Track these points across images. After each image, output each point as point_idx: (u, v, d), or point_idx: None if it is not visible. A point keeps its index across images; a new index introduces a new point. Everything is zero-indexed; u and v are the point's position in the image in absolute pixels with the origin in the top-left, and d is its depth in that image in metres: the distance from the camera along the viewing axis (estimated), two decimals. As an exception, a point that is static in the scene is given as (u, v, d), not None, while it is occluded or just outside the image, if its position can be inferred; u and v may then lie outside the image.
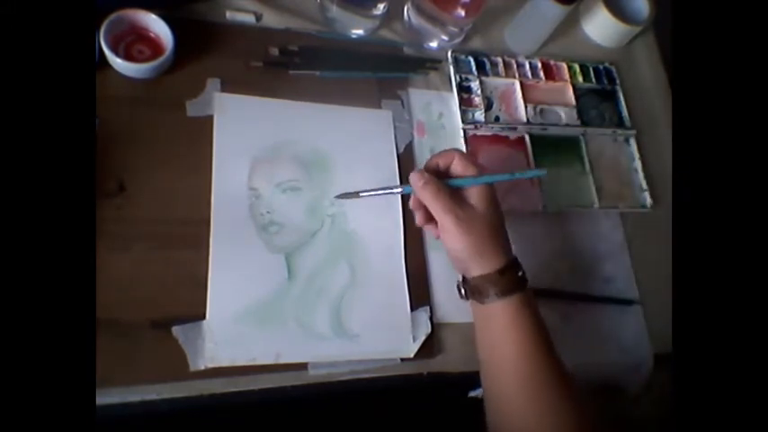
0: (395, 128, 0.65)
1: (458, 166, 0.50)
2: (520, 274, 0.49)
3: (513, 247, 0.51)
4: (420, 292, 0.58)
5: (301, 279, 0.55)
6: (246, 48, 0.61)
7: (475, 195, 0.49)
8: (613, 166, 0.73)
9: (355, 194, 0.54)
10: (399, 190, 0.54)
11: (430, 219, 0.51)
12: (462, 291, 0.52)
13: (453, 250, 0.49)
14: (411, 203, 0.52)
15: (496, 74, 0.72)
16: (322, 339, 0.53)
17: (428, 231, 0.56)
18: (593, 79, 0.77)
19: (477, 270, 0.49)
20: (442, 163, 0.50)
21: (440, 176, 0.49)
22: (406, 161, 0.64)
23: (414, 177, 0.49)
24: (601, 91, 0.77)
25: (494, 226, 0.49)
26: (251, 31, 0.63)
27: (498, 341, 0.48)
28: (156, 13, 0.55)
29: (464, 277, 0.51)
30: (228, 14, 0.62)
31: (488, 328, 0.50)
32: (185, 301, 0.50)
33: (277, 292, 0.53)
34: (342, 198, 0.56)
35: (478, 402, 0.59)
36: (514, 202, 0.65)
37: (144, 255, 0.50)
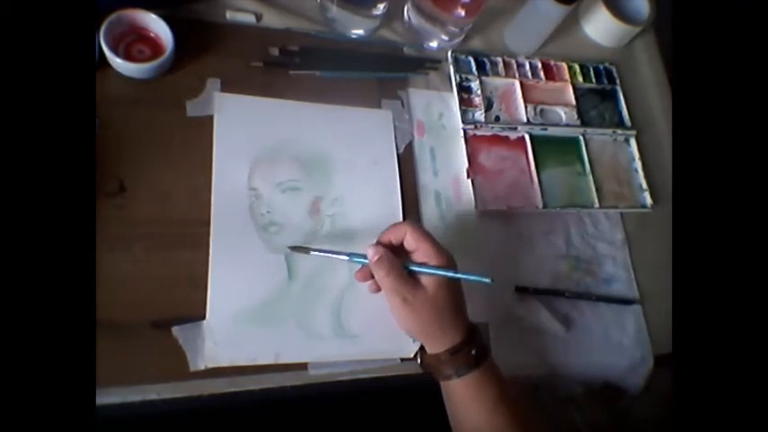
0: (395, 128, 0.65)
1: (410, 240, 0.49)
2: (474, 351, 0.48)
3: (511, 248, 0.50)
4: (420, 292, 0.58)
5: (301, 279, 0.55)
6: (246, 48, 0.61)
7: (426, 277, 0.48)
8: (613, 166, 0.73)
9: (306, 251, 0.52)
10: (346, 258, 0.51)
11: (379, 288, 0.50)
12: (420, 365, 0.52)
13: (403, 329, 0.50)
14: (357, 275, 0.51)
15: (496, 74, 0.72)
16: (322, 339, 0.53)
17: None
18: (593, 79, 0.77)
19: (429, 348, 0.49)
20: (393, 238, 0.50)
21: (395, 251, 0.49)
22: (406, 161, 0.64)
23: (369, 251, 0.49)
24: (601, 91, 0.77)
25: (444, 308, 0.48)
26: (251, 31, 0.63)
27: (461, 416, 0.49)
28: (156, 13, 0.55)
29: (421, 354, 0.52)
30: (228, 14, 0.62)
31: (449, 402, 0.50)
32: (185, 301, 0.50)
33: (277, 292, 0.53)
34: (295, 251, 0.53)
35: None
36: (514, 202, 0.65)
37: (144, 255, 0.50)
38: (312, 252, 0.52)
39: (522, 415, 0.48)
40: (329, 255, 0.51)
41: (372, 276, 0.49)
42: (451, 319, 0.48)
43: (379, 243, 0.50)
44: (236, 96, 0.59)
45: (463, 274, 0.49)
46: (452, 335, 0.48)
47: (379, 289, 0.50)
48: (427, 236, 0.49)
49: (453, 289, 0.49)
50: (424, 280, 0.48)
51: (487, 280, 0.48)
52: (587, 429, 0.77)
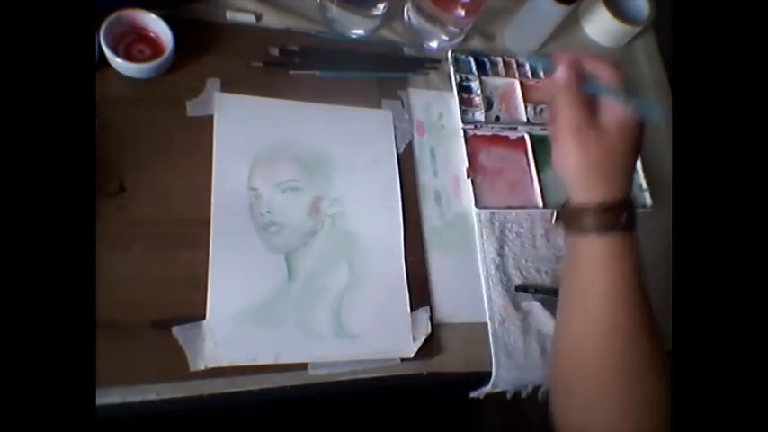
0: (395, 128, 0.65)
1: (605, 78, 0.46)
2: (625, 216, 0.44)
3: (511, 245, 0.50)
4: (420, 292, 0.58)
5: (301, 279, 0.55)
6: (246, 48, 0.61)
7: (609, 114, 0.45)
8: (613, 166, 0.73)
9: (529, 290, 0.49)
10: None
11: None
12: (555, 216, 0.48)
13: (561, 166, 0.46)
14: (541, 82, 0.49)
15: (496, 74, 0.72)
16: (322, 339, 0.53)
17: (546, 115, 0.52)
18: (593, 79, 0.77)
19: (579, 196, 0.45)
20: (589, 67, 0.46)
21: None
22: (406, 161, 0.63)
23: (560, 69, 0.45)
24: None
25: (614, 154, 0.44)
26: (251, 31, 0.63)
27: (584, 283, 0.44)
28: (156, 13, 0.55)
29: (564, 202, 0.48)
30: (228, 14, 0.62)
31: (576, 266, 0.46)
32: (185, 301, 0.50)
33: (277, 292, 0.53)
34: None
35: (478, 402, 0.59)
36: (514, 202, 0.65)
37: (144, 255, 0.50)
38: None
39: (651, 310, 0.44)
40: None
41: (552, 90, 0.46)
42: (617, 170, 0.45)
43: (569, 63, 0.45)
44: (236, 96, 0.59)
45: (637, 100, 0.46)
46: (610, 188, 0.44)
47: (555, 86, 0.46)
48: (622, 76, 0.46)
49: (631, 142, 0.45)
50: (605, 117, 0.45)
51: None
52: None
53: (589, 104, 0.45)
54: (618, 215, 0.44)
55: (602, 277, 0.43)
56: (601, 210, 0.43)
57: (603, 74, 0.46)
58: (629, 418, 0.41)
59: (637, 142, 0.46)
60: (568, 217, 0.46)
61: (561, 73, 0.45)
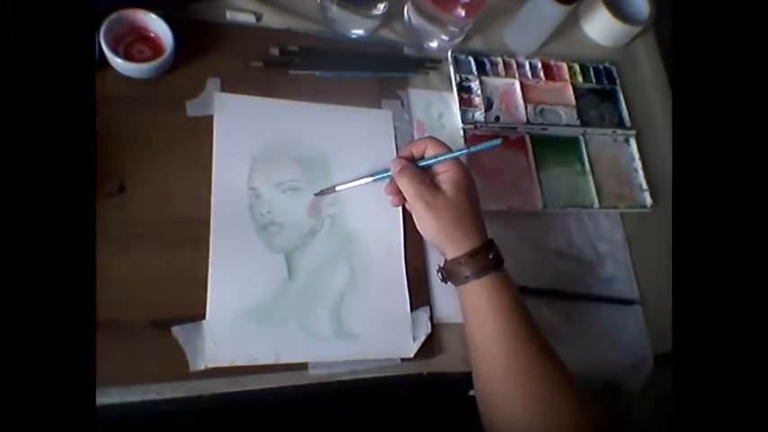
0: (395, 128, 0.65)
1: (430, 152, 0.53)
2: (491, 256, 0.50)
3: (511, 248, 0.51)
4: (420, 292, 0.58)
5: (301, 279, 0.55)
6: (246, 48, 0.61)
7: (446, 182, 0.51)
8: (613, 166, 0.73)
9: (332, 189, 0.57)
10: (370, 179, 0.56)
11: (405, 199, 0.54)
12: (440, 274, 0.54)
13: (426, 235, 0.52)
14: (385, 189, 0.55)
15: (496, 74, 0.72)
16: (322, 339, 0.53)
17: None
18: (593, 79, 0.77)
19: (449, 253, 0.51)
20: (415, 151, 0.54)
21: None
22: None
23: (393, 163, 0.53)
24: (601, 91, 0.77)
25: (463, 211, 0.51)
26: (251, 31, 0.63)
27: (478, 321, 0.50)
28: (156, 13, 0.55)
29: (443, 263, 0.53)
30: (228, 14, 0.62)
31: (467, 309, 0.51)
32: (185, 301, 0.50)
33: (277, 292, 0.53)
34: (320, 195, 0.58)
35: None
36: (514, 202, 0.65)
37: (144, 255, 0.50)
38: (337, 188, 0.57)
39: (534, 322, 0.49)
40: (353, 184, 0.57)
41: (398, 190, 0.53)
42: (471, 223, 0.51)
43: (400, 157, 0.54)
44: (236, 96, 0.59)
45: (474, 147, 0.53)
46: (472, 238, 0.50)
47: (401, 202, 0.55)
48: (446, 147, 0.53)
49: (472, 195, 0.52)
50: (444, 186, 0.51)
51: (498, 141, 0.53)
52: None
53: (428, 179, 0.52)
54: (485, 256, 0.50)
55: (490, 312, 0.49)
56: (470, 257, 0.50)
57: (429, 149, 0.53)
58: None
59: (474, 190, 0.53)
60: (449, 272, 0.52)
61: (395, 164, 0.53)
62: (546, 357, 0.48)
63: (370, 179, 0.56)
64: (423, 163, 0.53)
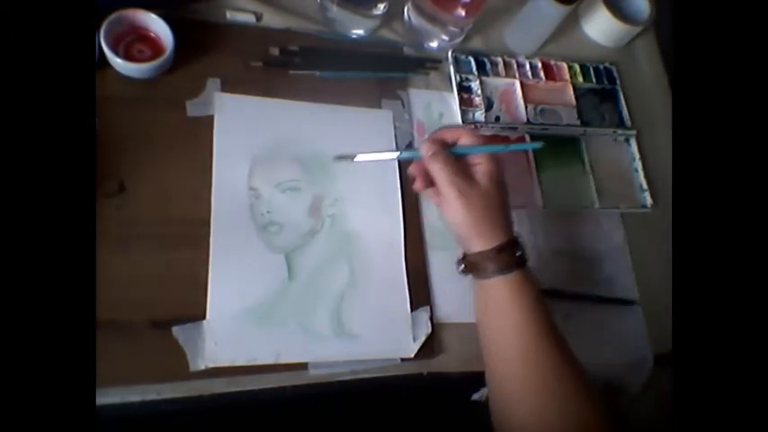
0: (395, 128, 0.65)
1: (465, 141, 0.51)
2: (518, 253, 0.49)
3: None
4: (420, 292, 0.58)
5: (301, 279, 0.55)
6: (246, 48, 0.61)
7: (480, 172, 0.50)
8: (613, 166, 0.73)
9: (351, 157, 0.55)
10: (397, 154, 0.56)
11: (430, 184, 0.52)
12: (462, 266, 0.52)
13: (453, 224, 0.50)
14: (412, 168, 0.53)
15: (496, 74, 0.72)
16: (322, 339, 0.53)
17: (426, 197, 0.58)
18: (594, 79, 0.77)
19: (476, 246, 0.49)
20: (449, 137, 0.51)
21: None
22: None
23: (424, 146, 0.50)
24: (601, 91, 0.77)
25: (495, 204, 0.49)
26: (251, 31, 0.63)
27: (498, 317, 0.49)
28: (156, 13, 0.55)
29: (464, 253, 0.52)
30: (228, 14, 0.62)
31: (488, 304, 0.50)
32: (185, 301, 0.50)
33: (277, 292, 0.53)
34: (338, 160, 0.56)
35: (478, 403, 0.59)
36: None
37: (144, 255, 0.50)
38: (357, 158, 0.55)
39: (553, 322, 0.49)
40: (375, 156, 0.55)
41: (424, 173, 0.51)
42: (501, 217, 0.50)
43: (431, 139, 0.51)
44: (236, 96, 0.59)
45: (512, 146, 0.54)
46: (500, 233, 0.49)
47: (426, 185, 0.52)
48: (482, 138, 0.52)
49: (504, 190, 0.51)
50: (478, 175, 0.50)
51: (537, 145, 0.53)
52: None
53: (462, 166, 0.50)
54: (512, 254, 0.49)
55: (511, 309, 0.48)
56: (497, 252, 0.48)
57: (463, 138, 0.51)
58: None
59: (506, 186, 0.51)
60: (473, 265, 0.50)
61: (426, 148, 0.50)
62: (563, 354, 0.47)
63: (395, 155, 0.56)
64: (459, 150, 0.51)
